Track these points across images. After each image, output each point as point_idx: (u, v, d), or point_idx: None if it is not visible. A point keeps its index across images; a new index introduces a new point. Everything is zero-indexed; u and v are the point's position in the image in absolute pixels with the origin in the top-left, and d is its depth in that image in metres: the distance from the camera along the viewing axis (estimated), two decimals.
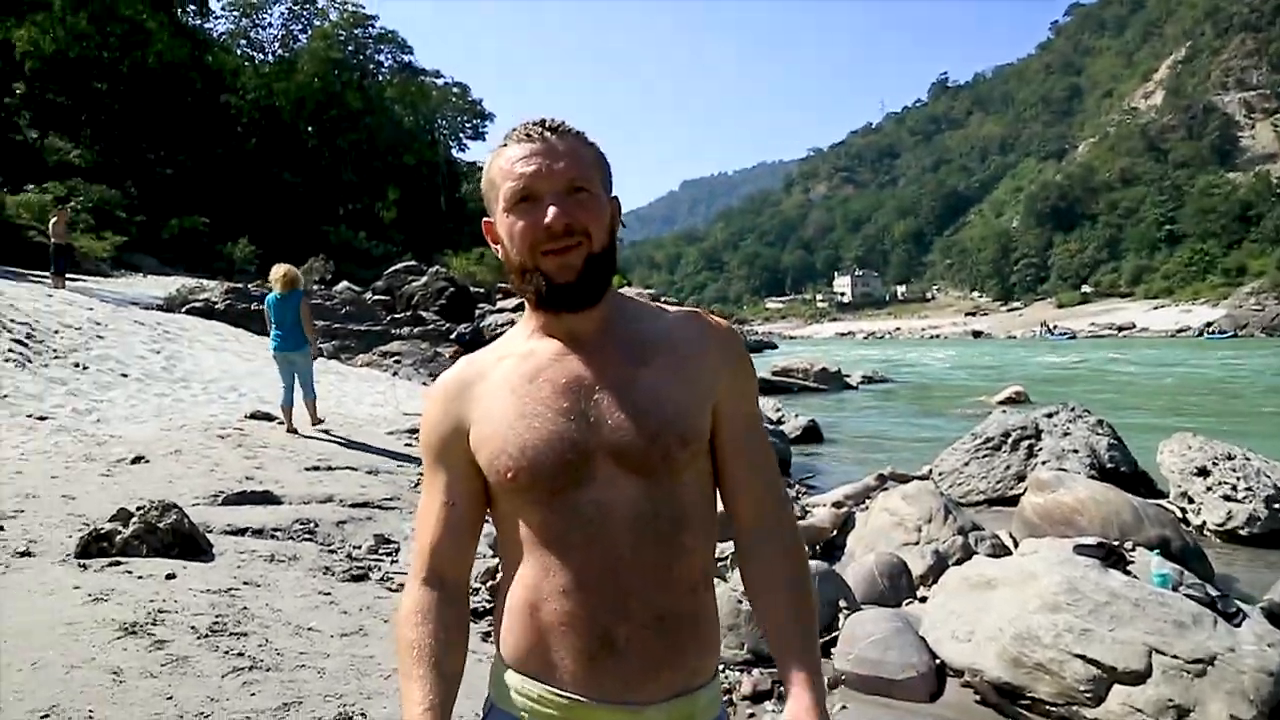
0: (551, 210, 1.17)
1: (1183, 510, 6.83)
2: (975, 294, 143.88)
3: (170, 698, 2.95)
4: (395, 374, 15.60)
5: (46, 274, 18.21)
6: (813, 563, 4.74)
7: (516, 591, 1.22)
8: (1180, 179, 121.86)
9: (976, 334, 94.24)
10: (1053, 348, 56.71)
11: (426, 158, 56.59)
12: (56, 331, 10.95)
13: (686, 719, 1.21)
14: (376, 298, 23.63)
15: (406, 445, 8.67)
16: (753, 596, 1.33)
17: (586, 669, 1.16)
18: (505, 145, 1.23)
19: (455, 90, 64.26)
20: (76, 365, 9.95)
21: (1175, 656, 3.38)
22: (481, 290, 29.83)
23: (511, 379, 1.23)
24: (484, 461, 1.22)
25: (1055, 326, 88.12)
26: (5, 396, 8.16)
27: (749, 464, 1.30)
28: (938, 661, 3.94)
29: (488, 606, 4.27)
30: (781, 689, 3.70)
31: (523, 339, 1.28)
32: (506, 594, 1.25)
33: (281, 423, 8.64)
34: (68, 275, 17.78)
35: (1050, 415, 8.55)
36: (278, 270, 8.77)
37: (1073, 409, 8.66)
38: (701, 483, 1.25)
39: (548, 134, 1.21)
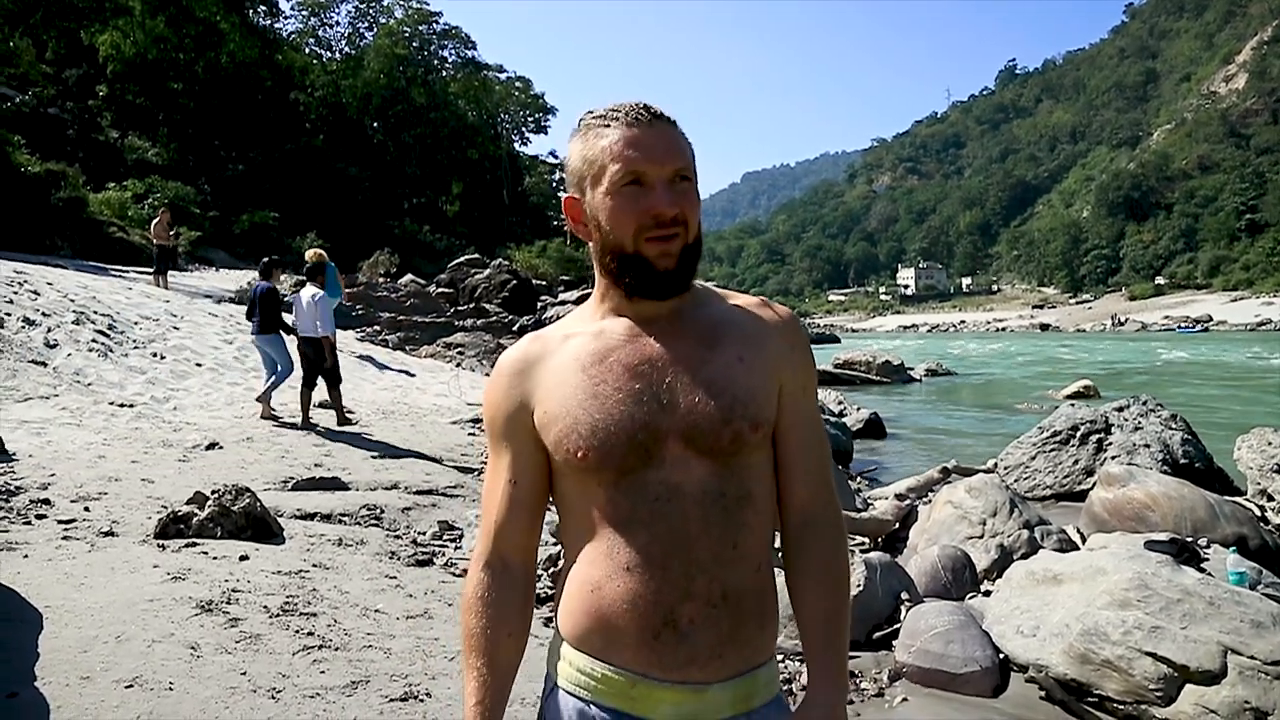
0: (665, 198, 1.18)
1: (1261, 508, 6.58)
2: (1043, 286, 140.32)
3: (244, 673, 3.06)
4: (459, 365, 15.85)
5: (127, 269, 18.84)
6: (874, 554, 4.70)
7: (579, 570, 1.21)
8: (1263, 165, 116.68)
9: (1044, 327, 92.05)
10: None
11: (490, 152, 56.98)
12: (136, 323, 11.36)
13: (747, 698, 1.20)
14: (440, 290, 23.86)
15: (470, 435, 8.80)
16: (791, 582, 1.30)
17: (650, 648, 1.15)
18: (606, 125, 1.21)
19: (518, 85, 64.65)
20: (154, 355, 10.31)
21: (1253, 657, 3.27)
22: (544, 283, 30.04)
23: (581, 358, 1.23)
24: (552, 441, 1.22)
25: (1123, 318, 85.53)
26: (90, 385, 8.50)
27: (805, 451, 1.29)
28: (1001, 656, 3.88)
29: (550, 592, 4.32)
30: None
31: (592, 317, 1.28)
32: (568, 573, 1.24)
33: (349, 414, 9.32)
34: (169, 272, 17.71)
35: (1120, 409, 8.30)
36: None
37: (1144, 403, 8.40)
38: (765, 465, 1.25)
39: (655, 120, 1.21)
